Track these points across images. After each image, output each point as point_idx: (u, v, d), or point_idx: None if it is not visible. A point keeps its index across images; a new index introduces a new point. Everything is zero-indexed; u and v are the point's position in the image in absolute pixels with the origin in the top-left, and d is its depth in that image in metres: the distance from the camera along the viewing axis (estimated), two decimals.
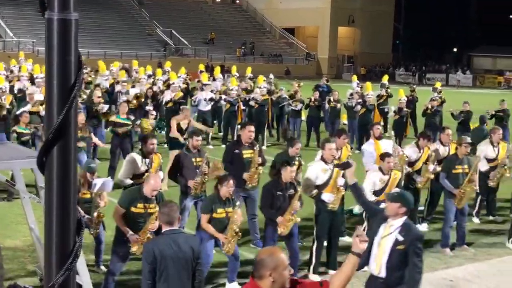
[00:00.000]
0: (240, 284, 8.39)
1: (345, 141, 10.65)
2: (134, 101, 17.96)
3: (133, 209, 7.62)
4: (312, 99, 20.45)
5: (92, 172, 8.63)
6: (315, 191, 8.90)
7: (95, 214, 8.36)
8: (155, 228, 7.44)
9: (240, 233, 8.07)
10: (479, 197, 12.11)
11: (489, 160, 11.91)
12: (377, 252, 6.26)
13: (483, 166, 11.82)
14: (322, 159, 9.10)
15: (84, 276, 6.20)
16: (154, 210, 7.56)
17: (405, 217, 6.26)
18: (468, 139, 10.89)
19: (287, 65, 60.79)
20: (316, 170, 8.97)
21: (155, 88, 21.18)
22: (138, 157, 9.60)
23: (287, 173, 8.52)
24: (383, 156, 9.43)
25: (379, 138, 11.36)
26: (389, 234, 6.23)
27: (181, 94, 20.18)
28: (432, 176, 11.06)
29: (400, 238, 6.14)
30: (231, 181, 8.12)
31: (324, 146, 9.16)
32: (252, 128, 10.33)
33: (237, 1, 75.39)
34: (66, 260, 1.82)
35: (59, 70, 1.81)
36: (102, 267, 8.73)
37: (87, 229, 8.54)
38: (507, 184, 12.42)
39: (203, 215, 8.18)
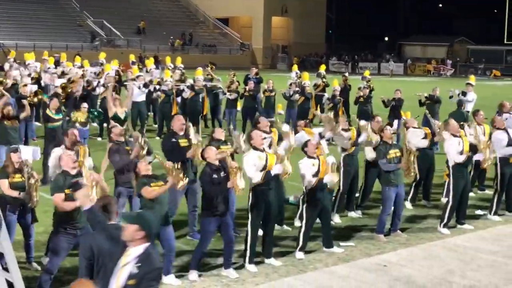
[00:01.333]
0: (177, 277, 8.35)
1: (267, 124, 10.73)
2: (62, 93, 17.47)
3: (67, 191, 7.54)
4: (247, 89, 20.48)
5: (15, 151, 8.45)
6: (263, 173, 8.83)
7: (32, 181, 8.21)
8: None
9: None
10: (414, 183, 12.35)
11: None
12: (113, 286, 5.21)
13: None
14: (254, 148, 9.12)
15: (14, 274, 6.05)
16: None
17: (146, 244, 5.19)
18: (390, 129, 11.07)
19: (222, 56, 60.60)
20: (253, 160, 8.97)
21: (88, 79, 20.75)
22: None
23: (212, 152, 8.64)
24: (307, 142, 9.64)
25: (306, 126, 11.47)
26: (126, 264, 5.16)
27: (114, 82, 19.95)
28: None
29: (134, 271, 5.08)
30: (147, 160, 8.40)
31: (252, 135, 9.23)
32: (181, 117, 10.47)
33: None
34: None
35: None
36: (34, 264, 8.54)
37: (19, 222, 8.37)
38: (439, 169, 12.71)
39: (144, 189, 8.09)
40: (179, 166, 8.19)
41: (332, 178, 9.34)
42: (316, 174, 9.31)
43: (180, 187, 8.37)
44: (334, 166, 9.53)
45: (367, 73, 25.83)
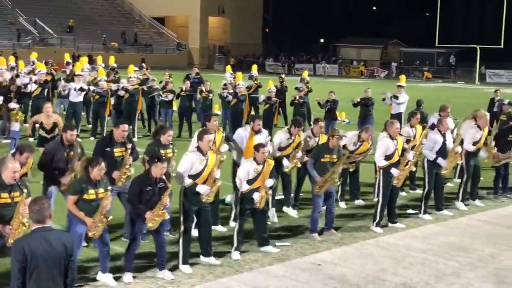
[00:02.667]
0: (114, 278, 8.25)
1: (215, 123, 10.66)
2: None
3: None
4: (184, 89, 20.39)
5: None
6: (190, 181, 8.85)
7: None
8: (26, 215, 7.17)
9: (109, 219, 7.95)
10: (341, 182, 12.52)
11: (355, 145, 12.37)
12: None
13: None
14: (199, 149, 9.06)
15: None
16: (20, 198, 7.40)
17: None
18: (341, 132, 11.20)
19: (158, 55, 60.19)
20: (192, 160, 8.93)
21: (18, 82, 20.18)
22: None
23: (158, 169, 8.39)
24: (258, 147, 9.54)
25: (257, 132, 11.35)
26: None
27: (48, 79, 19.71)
28: (298, 164, 11.42)
29: None
30: (103, 164, 8.03)
31: (203, 138, 9.12)
32: (126, 127, 10.00)
33: None
34: None
35: None
36: None
37: None
38: (369, 168, 12.94)
39: (70, 197, 7.99)
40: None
41: (205, 189, 8.93)
42: (252, 182, 9.34)
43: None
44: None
45: (305, 74, 26.04)
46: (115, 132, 9.85)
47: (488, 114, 13.23)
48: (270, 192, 9.62)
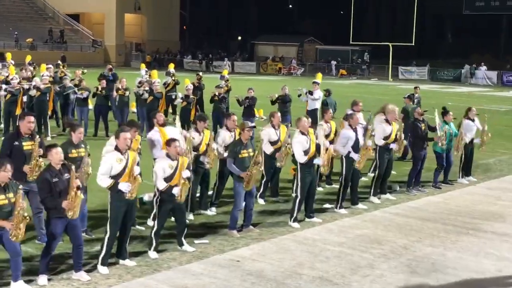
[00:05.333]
0: (25, 281, 8.03)
1: (136, 132, 10.54)
2: None
3: None
4: (99, 88, 20.07)
5: None
6: (111, 181, 8.69)
7: None
8: None
9: (28, 217, 7.71)
10: (264, 179, 12.65)
11: (272, 143, 12.47)
12: None
13: (268, 149, 12.38)
14: (117, 148, 8.92)
15: None
16: None
17: None
18: (250, 124, 11.26)
19: (73, 53, 58.98)
20: (111, 160, 8.78)
21: None
22: None
23: (55, 156, 8.25)
24: (170, 141, 9.49)
25: (163, 125, 11.37)
26: None
27: None
28: (216, 154, 11.45)
29: None
30: (8, 165, 7.75)
31: (119, 136, 8.98)
32: (32, 118, 9.83)
33: None
34: None
35: None
36: None
37: None
38: (288, 165, 13.08)
39: None
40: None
41: (126, 187, 8.78)
42: (170, 179, 9.30)
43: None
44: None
45: (225, 72, 26.16)
46: (22, 124, 9.66)
47: (397, 108, 13.53)
48: (188, 184, 9.53)
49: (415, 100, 20.02)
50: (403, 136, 13.41)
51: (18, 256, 7.90)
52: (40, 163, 9.48)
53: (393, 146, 13.12)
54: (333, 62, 63.01)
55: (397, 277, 8.88)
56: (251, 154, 10.62)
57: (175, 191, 9.30)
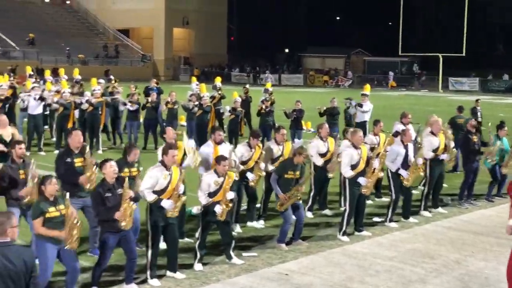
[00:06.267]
0: None
1: (173, 135, 10.70)
2: None
3: None
4: (149, 101, 20.30)
5: None
6: (154, 197, 8.77)
7: None
8: None
9: (80, 223, 7.83)
10: (313, 192, 12.59)
11: (321, 155, 12.41)
12: None
13: (318, 161, 12.32)
14: (163, 164, 8.99)
15: None
16: None
17: None
18: (305, 152, 11.19)
19: (123, 67, 59.89)
20: (157, 175, 8.86)
21: None
22: None
23: (109, 170, 8.37)
24: (219, 159, 9.53)
25: (219, 143, 11.30)
26: None
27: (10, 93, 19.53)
28: (263, 174, 11.41)
29: None
30: (54, 179, 7.90)
31: (167, 152, 9.05)
32: (80, 133, 10.00)
33: (68, 2, 73.14)
34: None
35: None
36: None
37: None
38: (337, 177, 12.99)
39: (35, 221, 7.81)
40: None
41: (170, 204, 8.84)
42: (214, 194, 9.33)
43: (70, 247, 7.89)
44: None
45: (269, 85, 26.18)
46: (71, 140, 9.82)
47: (440, 119, 13.32)
48: (231, 204, 9.56)
49: (478, 113, 19.76)
50: (452, 144, 13.21)
51: (75, 270, 8.03)
52: (95, 172, 9.57)
53: (444, 157, 12.92)
54: (391, 73, 62.41)
55: None
56: (297, 176, 10.57)
57: (217, 209, 9.29)
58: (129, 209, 8.27)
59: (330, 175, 12.54)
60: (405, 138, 12.15)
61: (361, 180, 11.03)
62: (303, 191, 10.86)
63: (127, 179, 8.47)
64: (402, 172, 11.91)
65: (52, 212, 7.81)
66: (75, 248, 7.89)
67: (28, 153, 11.27)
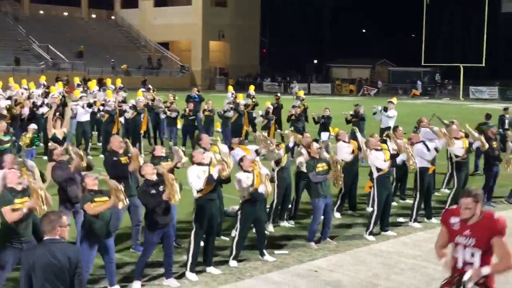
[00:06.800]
0: (122, 287, 8.21)
1: (206, 140, 10.84)
2: (7, 114, 17.01)
3: (13, 206, 7.44)
4: (187, 110, 20.45)
5: None
6: (203, 182, 8.83)
7: None
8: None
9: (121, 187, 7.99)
10: (341, 193, 12.53)
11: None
12: None
13: (347, 157, 12.28)
14: (197, 163, 9.11)
15: None
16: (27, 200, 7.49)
17: None
18: (316, 145, 11.15)
19: (160, 79, 60.35)
20: (196, 172, 8.95)
21: (30, 102, 20.26)
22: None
23: (147, 169, 8.54)
24: (242, 159, 9.70)
25: (240, 144, 11.57)
26: None
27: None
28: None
29: None
30: (91, 175, 8.18)
31: (194, 154, 9.29)
32: (118, 137, 10.36)
33: (112, 17, 73.95)
34: None
35: None
36: None
37: None
38: (362, 180, 12.93)
39: (86, 205, 7.94)
40: (121, 187, 8.03)
41: (265, 188, 9.34)
42: (251, 186, 9.35)
43: (121, 207, 8.18)
44: (267, 177, 9.60)
45: (301, 92, 26.28)
46: (112, 145, 10.25)
47: (454, 127, 13.15)
48: (268, 182, 9.58)
49: (506, 121, 19.48)
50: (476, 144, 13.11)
51: (113, 264, 8.13)
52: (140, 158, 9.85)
53: (476, 144, 12.85)
54: (419, 82, 61.84)
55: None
56: (325, 168, 10.59)
57: (261, 189, 9.35)
58: (174, 186, 8.34)
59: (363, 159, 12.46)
60: (413, 139, 12.25)
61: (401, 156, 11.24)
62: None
63: (166, 174, 8.59)
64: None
65: (98, 200, 7.96)
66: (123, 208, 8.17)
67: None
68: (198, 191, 8.89)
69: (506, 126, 19.07)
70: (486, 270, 5.43)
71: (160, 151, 10.45)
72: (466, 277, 5.42)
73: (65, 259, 5.38)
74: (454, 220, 5.68)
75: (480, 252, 5.49)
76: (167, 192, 8.32)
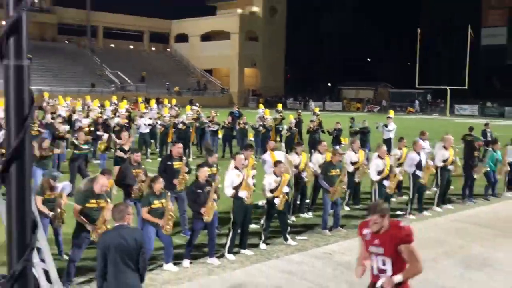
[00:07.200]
0: (174, 264, 8.27)
1: (251, 153, 10.73)
2: (86, 129, 17.35)
3: (87, 205, 7.45)
4: (226, 122, 20.60)
5: (53, 178, 8.30)
6: (233, 191, 8.86)
7: (58, 210, 8.06)
8: (108, 218, 7.23)
9: (174, 216, 7.98)
10: (348, 191, 12.45)
11: (352, 163, 12.30)
12: None
13: (349, 168, 12.21)
14: (235, 167, 9.11)
15: (49, 264, 5.94)
16: (104, 205, 7.41)
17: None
18: (340, 151, 11.13)
19: (205, 98, 60.73)
20: (232, 175, 8.98)
21: (104, 116, 20.65)
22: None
23: (202, 173, 8.51)
24: (276, 163, 9.58)
25: (273, 149, 11.51)
26: None
27: (125, 120, 19.94)
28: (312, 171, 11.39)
29: None
30: (161, 179, 8.08)
31: (236, 158, 9.20)
32: (181, 145, 10.30)
33: (168, 49, 74.71)
34: (23, 252, 1.74)
35: (15, 105, 1.73)
36: (64, 256, 8.39)
37: (51, 224, 8.22)
38: (367, 180, 12.81)
39: (143, 208, 8.01)
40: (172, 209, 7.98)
41: (245, 194, 8.95)
42: (273, 191, 9.33)
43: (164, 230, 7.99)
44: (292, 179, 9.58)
45: (316, 109, 26.27)
46: (173, 149, 10.04)
47: (452, 137, 13.00)
48: (286, 197, 9.54)
49: (488, 134, 19.19)
50: (457, 159, 12.89)
51: (170, 246, 8.17)
52: (186, 178, 9.78)
53: (451, 167, 12.62)
54: (417, 102, 61.03)
55: (455, 270, 8.49)
56: (338, 173, 10.50)
57: (277, 201, 9.32)
58: (212, 207, 8.37)
59: (356, 179, 12.37)
60: (416, 147, 11.96)
61: (386, 182, 10.87)
62: (345, 188, 10.79)
63: (213, 184, 8.57)
64: (418, 172, 11.71)
65: (156, 204, 7.97)
66: (168, 233, 8.01)
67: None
68: (233, 188, 8.91)
69: (488, 138, 18.76)
70: (398, 278, 4.82)
71: (213, 159, 10.07)
72: (378, 284, 4.88)
73: (132, 241, 5.46)
74: (366, 231, 5.05)
75: (390, 260, 4.88)
76: (205, 209, 8.29)
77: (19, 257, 1.76)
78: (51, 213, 8.02)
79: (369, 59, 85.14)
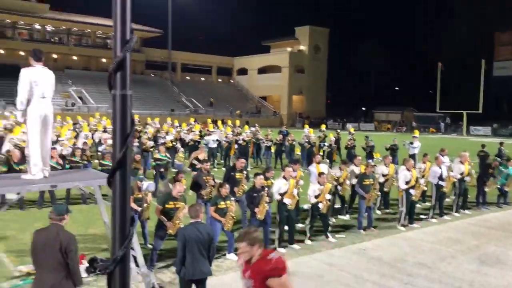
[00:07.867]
0: (235, 254, 8.28)
1: (298, 166, 10.64)
2: (169, 144, 17.77)
3: (166, 206, 7.57)
4: (278, 139, 20.58)
5: (140, 180, 8.54)
6: (279, 197, 8.82)
7: (145, 205, 8.28)
8: (181, 217, 7.34)
9: (235, 218, 7.99)
10: (379, 197, 12.13)
11: (384, 175, 12.00)
12: None
13: (381, 179, 11.92)
14: (283, 177, 9.09)
15: (137, 251, 6.09)
16: (180, 206, 7.52)
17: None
18: (372, 163, 10.87)
19: (260, 120, 60.97)
20: (280, 184, 8.95)
21: (182, 135, 21.06)
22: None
23: (258, 180, 8.54)
24: (320, 174, 9.49)
25: (318, 163, 11.38)
26: None
27: (198, 137, 20.28)
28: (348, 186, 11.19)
29: None
30: (227, 185, 8.17)
31: (285, 169, 9.21)
32: (244, 161, 10.35)
33: (231, 81, 75.76)
34: (124, 241, 1.80)
35: (120, 125, 1.81)
36: (149, 245, 8.58)
37: (139, 218, 8.43)
38: (395, 189, 12.45)
39: (211, 208, 8.10)
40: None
41: (289, 201, 8.91)
42: (317, 197, 9.24)
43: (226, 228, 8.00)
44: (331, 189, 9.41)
45: (352, 129, 25.83)
46: (237, 163, 10.09)
47: (467, 153, 12.44)
48: (329, 203, 9.40)
49: (503, 152, 18.29)
50: (473, 172, 12.33)
51: (232, 238, 8.20)
52: (245, 188, 9.79)
53: (467, 179, 12.09)
54: (442, 124, 59.05)
55: (471, 266, 8.09)
56: (371, 182, 10.28)
57: (321, 205, 9.19)
58: (264, 208, 8.35)
59: (385, 189, 12.02)
60: (438, 162, 11.57)
61: (412, 191, 10.54)
62: (379, 194, 10.54)
63: (266, 189, 8.56)
64: (442, 182, 11.30)
65: (222, 205, 8.03)
66: (229, 230, 8.02)
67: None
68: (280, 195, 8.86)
69: (504, 157, 17.87)
70: None
71: (271, 174, 9.82)
72: None
73: (206, 234, 5.53)
74: (241, 260, 3.74)
75: None
76: (259, 209, 8.26)
77: (120, 245, 1.82)
78: (139, 209, 8.25)
79: (397, 88, 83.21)
